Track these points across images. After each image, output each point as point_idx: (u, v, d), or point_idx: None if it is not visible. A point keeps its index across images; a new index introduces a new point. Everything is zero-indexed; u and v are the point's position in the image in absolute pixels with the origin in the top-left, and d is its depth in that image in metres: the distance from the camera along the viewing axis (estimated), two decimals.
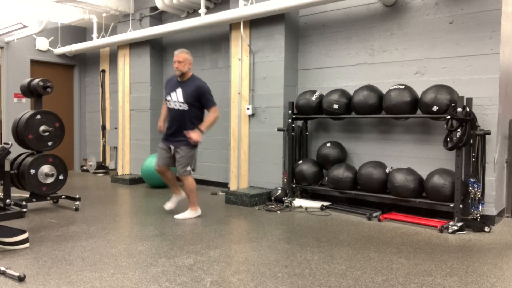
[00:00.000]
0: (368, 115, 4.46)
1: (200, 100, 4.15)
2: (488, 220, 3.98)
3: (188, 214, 4.28)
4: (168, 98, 4.23)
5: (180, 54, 4.12)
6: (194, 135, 4.06)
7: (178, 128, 4.16)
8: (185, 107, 4.12)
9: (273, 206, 4.78)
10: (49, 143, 4.62)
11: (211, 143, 6.39)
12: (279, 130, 5.17)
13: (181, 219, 4.22)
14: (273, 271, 2.75)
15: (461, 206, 3.85)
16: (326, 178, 4.76)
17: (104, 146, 8.07)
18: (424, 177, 4.15)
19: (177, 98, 4.15)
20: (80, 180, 7.12)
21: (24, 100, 7.48)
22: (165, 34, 6.31)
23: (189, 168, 4.21)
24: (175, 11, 6.41)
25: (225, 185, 6.09)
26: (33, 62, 7.69)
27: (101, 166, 7.94)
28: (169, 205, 4.50)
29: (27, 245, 3.24)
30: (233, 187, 5.71)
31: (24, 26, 6.44)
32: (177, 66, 4.12)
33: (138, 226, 3.95)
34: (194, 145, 4.19)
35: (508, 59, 4.24)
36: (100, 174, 7.82)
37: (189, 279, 2.60)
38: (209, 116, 4.18)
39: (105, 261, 2.93)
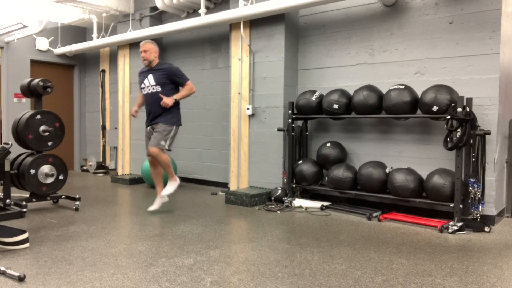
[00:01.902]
0: (368, 115, 4.46)
1: (173, 80, 4.39)
2: (488, 220, 3.98)
3: (171, 187, 4.50)
4: (142, 85, 4.50)
5: (145, 45, 4.42)
6: (166, 99, 4.26)
7: (157, 110, 4.37)
8: (158, 88, 4.36)
9: (273, 206, 4.78)
10: (49, 143, 4.62)
11: (211, 143, 6.39)
12: (279, 130, 5.17)
13: (167, 194, 4.48)
14: (273, 271, 2.75)
15: (461, 206, 3.85)
16: (326, 178, 4.76)
17: (104, 146, 8.07)
18: (424, 177, 4.15)
19: (149, 83, 4.41)
20: (80, 180, 7.12)
21: (24, 100, 7.48)
22: (165, 34, 6.31)
23: (162, 143, 4.31)
24: (175, 11, 6.41)
25: (225, 185, 6.09)
26: (33, 62, 7.69)
27: (101, 166, 7.94)
28: (153, 207, 4.57)
29: (27, 245, 3.24)
30: (233, 187, 5.71)
31: (24, 26, 6.44)
32: (144, 56, 4.40)
33: (138, 226, 3.95)
34: (172, 123, 4.37)
35: (508, 59, 4.24)
36: (100, 174, 7.82)
37: (189, 279, 2.60)
38: (184, 88, 4.43)
39: (105, 261, 2.93)
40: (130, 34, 6.64)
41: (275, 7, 4.87)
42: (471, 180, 3.87)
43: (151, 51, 4.42)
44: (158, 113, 4.38)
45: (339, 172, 4.53)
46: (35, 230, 3.73)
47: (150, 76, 4.42)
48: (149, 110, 4.47)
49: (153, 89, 4.39)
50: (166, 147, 4.36)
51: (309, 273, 2.72)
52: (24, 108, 7.33)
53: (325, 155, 4.78)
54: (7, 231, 3.26)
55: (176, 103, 4.44)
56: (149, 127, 4.50)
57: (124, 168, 7.32)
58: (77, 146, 8.48)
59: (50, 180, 4.56)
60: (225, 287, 2.49)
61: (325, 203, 4.76)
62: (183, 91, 4.42)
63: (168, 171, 4.45)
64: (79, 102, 8.47)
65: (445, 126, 3.92)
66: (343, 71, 5.00)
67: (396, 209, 4.46)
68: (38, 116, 4.54)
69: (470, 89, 4.12)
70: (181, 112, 6.78)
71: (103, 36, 7.49)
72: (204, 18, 5.64)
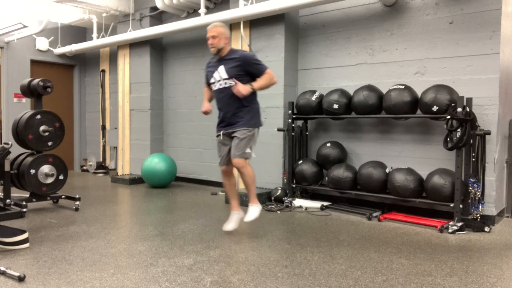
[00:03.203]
0: (368, 115, 4.46)
1: (249, 71, 3.52)
2: (488, 220, 3.98)
3: (254, 211, 3.64)
4: (212, 80, 3.65)
5: (214, 28, 3.51)
6: (240, 86, 3.40)
7: (231, 110, 3.56)
8: (231, 82, 3.50)
9: (273, 206, 4.78)
10: (49, 143, 4.62)
11: (211, 143, 6.39)
12: (279, 130, 5.17)
13: (251, 220, 3.66)
14: (273, 271, 2.75)
15: (461, 206, 3.85)
16: (326, 178, 4.76)
17: (104, 146, 8.07)
18: (424, 177, 4.15)
19: (220, 76, 3.56)
20: (80, 180, 7.12)
21: (24, 100, 7.48)
22: (165, 34, 6.31)
23: (248, 151, 3.51)
24: (175, 11, 6.41)
25: None
26: (33, 62, 7.69)
27: (101, 166, 7.94)
28: (230, 226, 3.74)
29: (27, 245, 3.24)
30: None
31: (24, 26, 6.44)
32: (212, 42, 3.51)
33: (138, 226, 3.95)
34: (253, 125, 3.56)
35: (508, 59, 4.24)
36: (100, 174, 7.82)
37: (189, 279, 2.60)
38: (262, 77, 3.53)
39: (105, 261, 2.93)
40: (130, 34, 6.64)
41: (275, 7, 4.87)
42: (471, 180, 3.86)
43: (221, 37, 3.50)
44: (234, 114, 3.54)
45: (339, 172, 4.53)
46: (35, 230, 3.73)
47: (221, 68, 3.54)
48: (223, 111, 3.62)
49: (226, 83, 3.52)
50: (253, 155, 3.56)
51: (309, 273, 2.72)
52: (24, 108, 7.33)
53: (325, 155, 4.78)
54: (7, 231, 3.26)
55: (254, 99, 3.59)
56: (222, 132, 3.66)
57: (124, 168, 7.32)
58: (77, 146, 8.48)
59: (50, 180, 4.56)
60: (225, 287, 2.49)
61: (325, 203, 4.76)
62: (261, 80, 3.50)
63: (251, 189, 3.60)
64: (79, 102, 8.47)
65: (445, 126, 3.92)
66: (343, 71, 5.00)
67: (396, 209, 4.46)
68: (38, 116, 4.54)
69: (470, 89, 4.12)
70: (181, 112, 6.82)
71: (103, 36, 7.49)
72: (204, 18, 5.64)
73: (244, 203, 4.92)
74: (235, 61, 3.52)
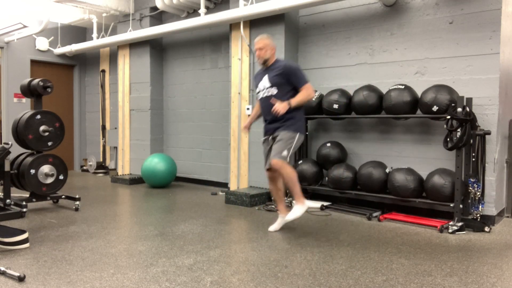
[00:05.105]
0: (368, 115, 4.46)
1: (290, 80, 3.65)
2: (488, 220, 3.98)
3: (298, 210, 3.64)
4: (257, 90, 3.85)
5: (260, 41, 3.72)
6: (279, 104, 3.53)
7: (273, 117, 3.67)
8: (273, 91, 3.67)
9: (273, 206, 4.77)
10: (49, 143, 4.62)
11: (211, 143, 6.39)
12: None
13: (292, 219, 3.67)
14: (273, 271, 2.75)
15: (461, 206, 3.85)
16: (326, 178, 4.76)
17: (104, 146, 8.07)
18: (424, 177, 4.15)
19: (264, 85, 3.75)
20: (80, 180, 7.12)
21: (24, 100, 7.48)
22: (165, 34, 6.31)
23: (285, 153, 3.57)
24: (175, 11, 6.41)
25: (225, 185, 6.09)
26: (33, 62, 7.69)
27: (101, 166, 7.94)
28: (273, 227, 3.85)
29: (27, 245, 3.24)
30: (233, 187, 5.71)
31: (24, 26, 6.44)
32: (259, 54, 3.72)
33: (138, 226, 3.95)
34: (294, 130, 3.65)
35: (508, 59, 4.24)
36: (100, 174, 7.82)
37: (189, 279, 2.60)
38: (300, 92, 3.65)
39: (105, 261, 2.93)
40: (130, 34, 6.64)
41: (275, 7, 4.87)
42: (471, 180, 3.86)
43: (267, 48, 3.69)
44: (276, 120, 3.66)
45: (339, 172, 4.53)
46: (35, 230, 3.73)
47: (265, 78, 3.73)
48: (266, 118, 3.79)
49: (269, 92, 3.70)
50: (288, 159, 3.60)
51: (309, 273, 2.72)
52: (24, 108, 7.34)
53: (325, 155, 4.78)
54: (7, 231, 3.26)
55: (299, 107, 3.69)
56: (266, 138, 3.83)
57: (124, 168, 7.32)
58: (77, 146, 8.48)
59: (50, 180, 4.56)
60: (225, 287, 2.49)
61: (325, 203, 4.76)
62: (299, 96, 3.62)
63: (294, 189, 3.61)
64: (79, 102, 8.47)
65: (445, 126, 3.92)
66: (343, 71, 5.00)
67: (396, 209, 4.46)
68: (38, 116, 4.54)
69: (470, 89, 4.12)
70: (181, 112, 6.83)
71: (103, 36, 7.49)
72: (204, 18, 5.64)
73: (247, 203, 4.92)
74: (278, 70, 3.67)
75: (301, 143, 3.78)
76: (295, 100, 3.61)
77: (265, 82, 3.74)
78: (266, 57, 3.72)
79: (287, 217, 3.68)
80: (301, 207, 3.65)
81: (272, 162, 3.59)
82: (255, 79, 3.92)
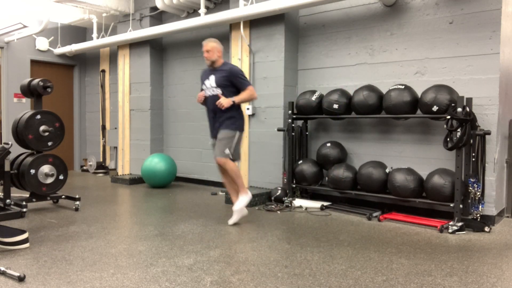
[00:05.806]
0: (368, 115, 4.46)
1: (234, 83, 4.05)
2: (488, 220, 3.98)
3: (242, 200, 4.04)
4: (203, 86, 4.19)
5: (208, 44, 4.09)
6: (223, 99, 3.93)
7: (217, 114, 4.05)
8: (218, 91, 4.05)
9: (273, 206, 4.78)
10: (49, 143, 4.62)
11: None
12: (279, 130, 5.17)
13: (239, 209, 4.02)
14: (273, 271, 2.75)
15: (461, 206, 3.85)
16: (326, 178, 4.76)
17: (104, 146, 8.07)
18: (424, 177, 4.15)
19: (210, 84, 4.10)
20: (80, 180, 7.12)
21: (24, 100, 7.48)
22: (165, 34, 6.31)
23: (227, 151, 3.97)
24: (175, 11, 6.41)
25: None
26: (33, 62, 7.69)
27: (101, 166, 7.94)
28: (232, 220, 4.08)
29: (27, 245, 3.24)
30: None
31: (24, 26, 6.44)
32: (206, 56, 4.09)
33: (138, 226, 3.95)
34: (234, 129, 4.04)
35: (508, 59, 4.24)
36: (100, 174, 7.82)
37: (189, 279, 2.60)
38: (244, 92, 4.05)
39: (105, 261, 2.93)
40: (130, 34, 6.64)
41: (275, 7, 4.87)
42: (471, 180, 3.87)
43: (214, 51, 4.07)
44: (219, 117, 4.05)
45: (339, 172, 4.53)
46: (35, 230, 3.73)
47: (212, 77, 4.10)
48: (210, 115, 4.16)
49: (213, 91, 4.06)
50: (231, 156, 3.99)
51: (309, 273, 2.72)
52: (24, 108, 7.33)
53: (325, 155, 4.78)
54: (7, 231, 3.26)
55: (238, 107, 4.11)
56: (214, 142, 4.18)
57: (124, 168, 7.32)
58: (77, 146, 8.48)
59: (50, 180, 4.56)
60: (225, 287, 2.49)
61: (325, 203, 4.76)
62: (242, 94, 4.04)
63: (237, 181, 4.03)
64: (79, 102, 8.47)
65: (445, 126, 3.92)
66: (343, 71, 5.00)
67: (396, 209, 4.46)
68: (38, 116, 4.54)
69: (470, 89, 4.12)
70: (181, 112, 6.83)
71: (103, 36, 7.49)
72: (204, 18, 5.64)
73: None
74: (224, 73, 4.07)
75: (241, 139, 4.19)
76: (239, 98, 4.02)
77: (211, 81, 4.10)
78: (213, 59, 4.08)
79: (234, 207, 4.07)
80: (246, 197, 4.08)
81: (216, 160, 4.03)
82: (202, 76, 4.25)
